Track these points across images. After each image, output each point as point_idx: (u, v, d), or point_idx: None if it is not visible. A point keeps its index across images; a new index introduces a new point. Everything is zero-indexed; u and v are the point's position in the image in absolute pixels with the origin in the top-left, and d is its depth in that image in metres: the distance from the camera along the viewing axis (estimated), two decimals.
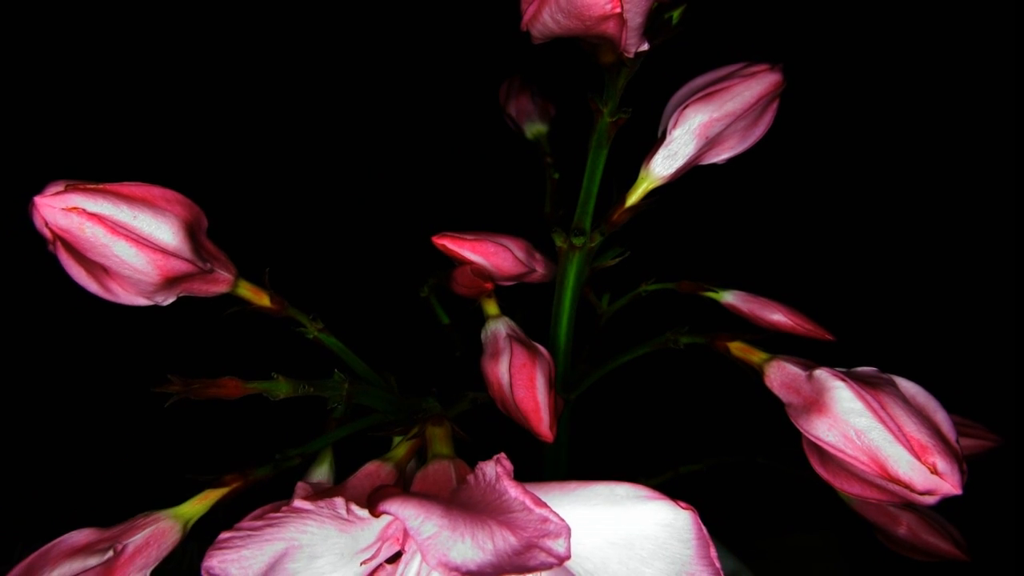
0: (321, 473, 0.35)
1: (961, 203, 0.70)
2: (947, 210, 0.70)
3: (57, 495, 0.65)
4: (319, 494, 0.24)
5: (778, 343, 0.39)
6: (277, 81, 0.71)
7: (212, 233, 0.33)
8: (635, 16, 0.29)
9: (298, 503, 0.22)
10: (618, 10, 0.28)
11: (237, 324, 0.35)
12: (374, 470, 0.28)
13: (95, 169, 0.66)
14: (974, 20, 0.68)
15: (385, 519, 0.23)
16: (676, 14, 0.35)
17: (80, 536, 0.29)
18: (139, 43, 0.70)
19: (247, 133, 0.70)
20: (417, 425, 0.30)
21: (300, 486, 0.25)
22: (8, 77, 0.68)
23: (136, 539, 0.29)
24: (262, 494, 0.29)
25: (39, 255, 0.30)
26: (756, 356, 0.35)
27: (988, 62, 0.69)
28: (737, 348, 0.36)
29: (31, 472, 0.67)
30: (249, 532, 0.22)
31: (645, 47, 0.31)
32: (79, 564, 0.28)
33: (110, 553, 0.28)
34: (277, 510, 0.23)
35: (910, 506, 0.38)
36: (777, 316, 0.39)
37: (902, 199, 0.72)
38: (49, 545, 0.29)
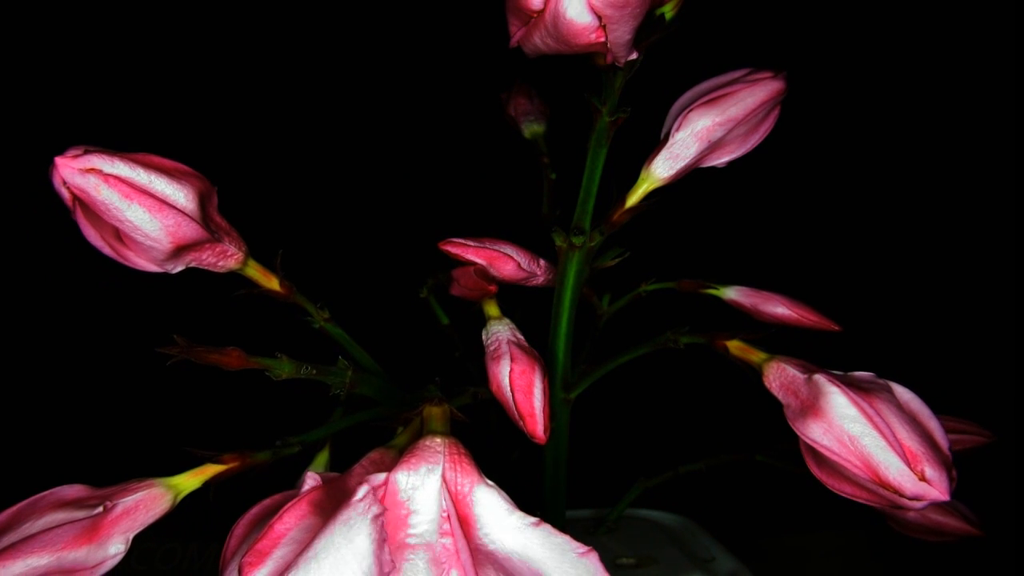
0: (318, 469, 0.35)
1: (961, 203, 0.70)
2: (947, 210, 0.70)
3: (58, 471, 0.65)
4: (326, 481, 0.25)
5: (779, 343, 0.39)
6: (279, 83, 0.71)
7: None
8: (621, 36, 0.30)
9: None
10: (603, 39, 0.29)
11: (242, 319, 0.35)
12: (378, 458, 0.28)
13: None
14: (974, 21, 0.68)
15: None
16: (668, 10, 0.35)
17: (71, 490, 0.30)
18: (147, 38, 0.69)
19: (252, 135, 0.70)
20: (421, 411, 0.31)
21: (309, 475, 0.25)
22: (14, 74, 0.68)
23: (126, 500, 0.29)
24: (259, 480, 0.30)
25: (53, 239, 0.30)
26: (755, 356, 0.36)
27: (988, 63, 0.69)
28: (736, 347, 0.36)
29: (32, 458, 0.67)
30: None
31: (634, 56, 0.32)
32: (66, 515, 0.28)
33: (99, 509, 0.29)
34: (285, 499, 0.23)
35: None
36: (780, 309, 0.40)
37: (901, 199, 0.72)
38: (39, 496, 0.29)
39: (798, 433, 0.31)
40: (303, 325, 0.37)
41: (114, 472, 0.31)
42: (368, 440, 0.35)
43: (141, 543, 0.65)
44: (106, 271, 0.71)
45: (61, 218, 0.30)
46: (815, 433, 0.30)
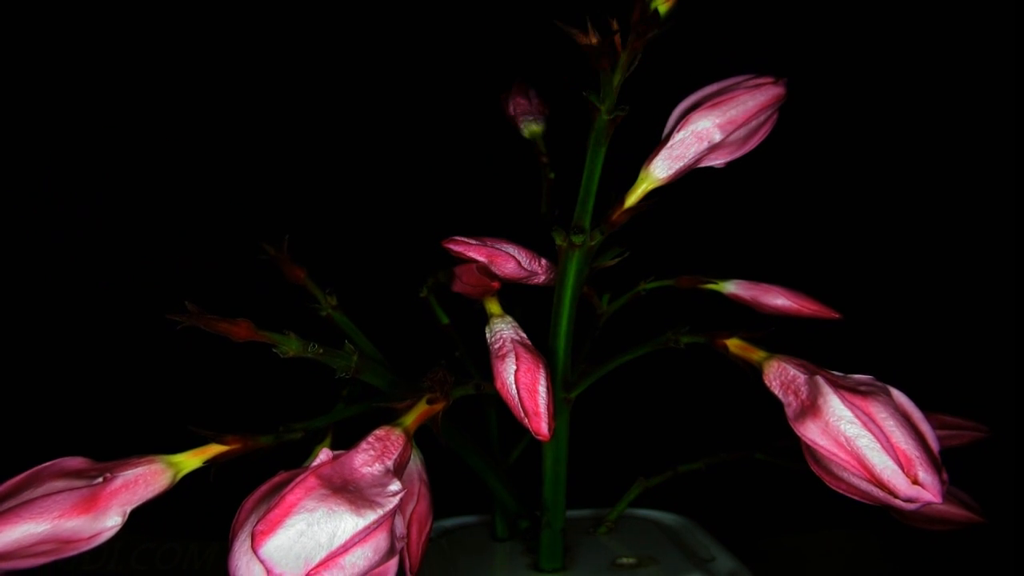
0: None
1: (961, 202, 0.71)
2: (947, 209, 0.71)
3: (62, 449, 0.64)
4: (334, 456, 0.26)
5: (780, 340, 0.39)
6: (282, 82, 0.71)
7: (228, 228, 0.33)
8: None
9: None
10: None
11: (247, 311, 0.34)
12: (384, 435, 0.29)
13: (113, 155, 0.65)
14: (974, 21, 0.68)
15: None
16: (660, 3, 0.35)
17: (73, 462, 0.30)
18: (159, 35, 0.70)
19: (256, 135, 0.70)
20: (426, 389, 0.32)
21: (323, 452, 0.26)
22: (18, 71, 0.68)
23: (127, 473, 0.30)
24: (260, 473, 0.30)
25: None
26: (756, 354, 0.36)
27: (988, 63, 0.69)
28: (736, 346, 0.37)
29: (36, 437, 0.67)
30: None
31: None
32: (65, 484, 0.29)
33: (99, 480, 0.29)
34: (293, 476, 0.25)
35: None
36: (780, 300, 0.40)
37: (901, 198, 0.72)
38: (42, 466, 0.30)
39: (797, 432, 0.32)
40: (306, 318, 0.37)
41: (117, 451, 0.32)
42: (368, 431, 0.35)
43: (141, 543, 0.65)
44: (107, 270, 0.71)
45: (61, 215, 0.30)
46: (813, 433, 0.31)
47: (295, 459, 0.35)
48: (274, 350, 0.33)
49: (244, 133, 0.70)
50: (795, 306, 0.40)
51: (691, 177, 0.38)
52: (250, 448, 0.33)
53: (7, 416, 0.68)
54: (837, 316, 0.40)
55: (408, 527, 0.31)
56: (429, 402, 0.32)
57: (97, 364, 0.70)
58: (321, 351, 0.34)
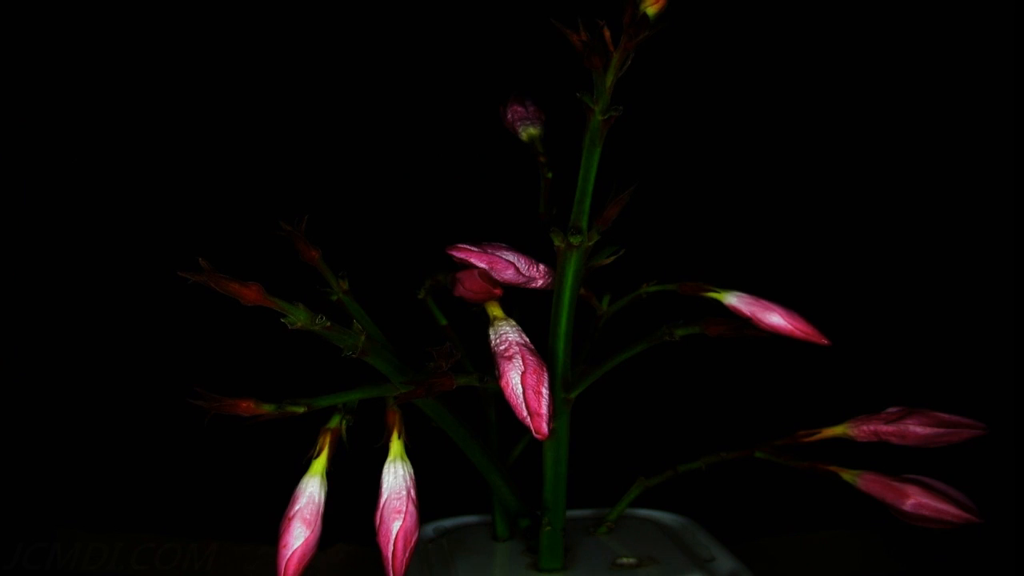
0: (315, 474, 0.36)
1: (961, 202, 0.71)
2: (949, 208, 0.71)
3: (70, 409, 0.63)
4: None
5: (778, 344, 0.40)
6: (284, 85, 0.72)
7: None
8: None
9: None
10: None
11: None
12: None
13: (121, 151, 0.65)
14: (974, 21, 0.68)
15: None
16: (648, 7, 0.35)
17: None
18: (159, 31, 0.70)
19: (257, 136, 0.70)
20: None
21: None
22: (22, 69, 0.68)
23: None
24: (256, 462, 0.30)
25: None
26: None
27: (988, 63, 0.69)
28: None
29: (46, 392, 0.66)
30: None
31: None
32: None
33: None
34: None
35: (915, 478, 0.42)
36: (775, 319, 0.40)
37: (903, 197, 0.72)
38: None
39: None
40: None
41: (119, 433, 0.32)
42: (363, 452, 0.36)
43: (141, 543, 0.65)
44: (108, 271, 0.70)
45: (59, 215, 0.30)
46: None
47: (295, 452, 0.35)
48: (282, 320, 0.34)
49: (243, 138, 0.70)
50: (789, 327, 0.40)
51: (692, 179, 0.39)
52: (253, 413, 0.33)
53: (7, 414, 0.68)
54: (825, 343, 0.40)
55: (394, 542, 0.33)
56: (434, 379, 0.34)
57: (99, 352, 0.69)
58: (329, 324, 0.34)
